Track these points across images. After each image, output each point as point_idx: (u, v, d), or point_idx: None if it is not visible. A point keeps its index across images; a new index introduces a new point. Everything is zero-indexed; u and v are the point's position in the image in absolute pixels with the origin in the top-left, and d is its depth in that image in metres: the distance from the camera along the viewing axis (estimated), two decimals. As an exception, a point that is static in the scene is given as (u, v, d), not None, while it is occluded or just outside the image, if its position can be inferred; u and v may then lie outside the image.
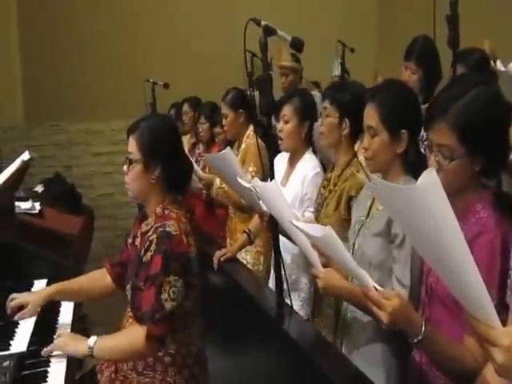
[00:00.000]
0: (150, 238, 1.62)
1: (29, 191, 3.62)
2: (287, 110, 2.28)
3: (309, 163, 2.31)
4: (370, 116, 1.55)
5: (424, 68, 2.48)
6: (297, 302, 2.23)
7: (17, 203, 2.86)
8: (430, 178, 0.90)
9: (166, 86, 3.77)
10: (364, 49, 5.24)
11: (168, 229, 1.61)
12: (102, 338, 1.61)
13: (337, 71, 3.98)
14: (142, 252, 1.64)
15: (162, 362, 1.66)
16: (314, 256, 1.52)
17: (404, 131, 1.53)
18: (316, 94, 3.01)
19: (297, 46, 1.77)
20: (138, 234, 1.72)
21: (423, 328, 1.15)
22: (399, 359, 1.53)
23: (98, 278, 1.87)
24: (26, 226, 2.68)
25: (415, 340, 1.16)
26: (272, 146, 2.01)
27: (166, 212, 1.67)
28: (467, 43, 2.25)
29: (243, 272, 2.43)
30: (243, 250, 2.64)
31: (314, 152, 2.38)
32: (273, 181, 1.77)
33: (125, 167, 1.70)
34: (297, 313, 1.94)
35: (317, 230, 1.33)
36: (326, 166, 2.32)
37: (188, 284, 1.64)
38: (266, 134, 2.02)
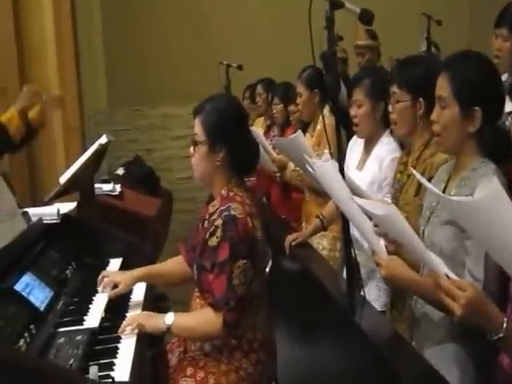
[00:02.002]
0: (216, 223, 1.62)
1: (111, 174, 3.79)
2: (358, 94, 2.16)
3: (386, 146, 2.18)
4: (442, 86, 1.41)
5: (519, 35, 2.25)
6: (374, 292, 2.14)
7: (99, 185, 2.99)
8: (491, 189, 0.81)
9: (239, 67, 3.75)
10: (454, 21, 4.89)
11: (233, 212, 1.60)
12: (179, 316, 1.65)
13: (423, 47, 3.76)
14: (208, 235, 1.64)
15: (229, 344, 1.66)
16: (377, 241, 1.43)
17: (477, 108, 1.37)
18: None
19: (366, 18, 1.64)
20: (207, 217, 1.72)
21: (505, 324, 1.04)
22: (475, 360, 1.41)
23: (178, 265, 1.90)
24: (106, 206, 2.79)
25: (495, 337, 1.05)
26: (341, 123, 1.92)
27: (231, 194, 1.66)
28: None
29: (315, 258, 2.37)
30: (319, 234, 2.58)
31: (391, 132, 2.25)
32: (331, 161, 1.68)
33: (191, 149, 1.71)
34: (370, 303, 1.85)
35: (378, 208, 1.24)
36: (405, 145, 2.18)
37: (255, 267, 1.62)
38: (335, 114, 1.92)
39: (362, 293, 1.88)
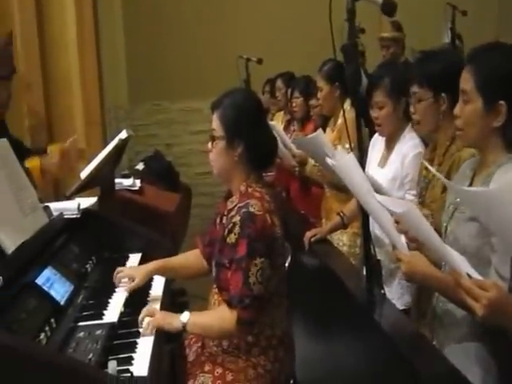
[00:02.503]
0: (234, 220, 1.61)
1: (131, 169, 3.80)
2: (379, 96, 2.13)
3: (409, 142, 2.15)
4: (465, 79, 1.38)
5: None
6: (396, 289, 2.12)
7: (120, 180, 3.01)
8: (507, 178, 0.80)
9: (259, 61, 3.74)
10: (481, 12, 4.78)
11: (251, 209, 1.58)
12: (195, 314, 1.65)
13: (447, 38, 3.68)
14: (226, 232, 1.63)
15: (246, 341, 1.66)
16: (397, 236, 1.41)
17: (502, 103, 1.33)
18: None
19: (388, 9, 1.60)
20: (225, 213, 1.71)
21: None
22: (498, 360, 1.37)
23: (195, 258, 1.90)
24: (126, 201, 2.81)
25: None
26: (362, 117, 1.89)
27: (250, 190, 1.65)
28: None
29: (334, 254, 2.35)
30: (339, 230, 2.55)
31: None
32: (350, 153, 1.66)
33: (209, 144, 1.70)
34: (390, 301, 1.83)
35: (398, 205, 1.22)
36: (428, 142, 2.15)
37: (273, 264, 1.61)
38: (356, 108, 1.89)
39: (382, 290, 1.85)
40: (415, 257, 1.38)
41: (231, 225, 1.61)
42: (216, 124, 1.67)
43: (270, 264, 1.58)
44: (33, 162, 2.43)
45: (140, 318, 1.62)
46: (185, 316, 1.62)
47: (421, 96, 1.78)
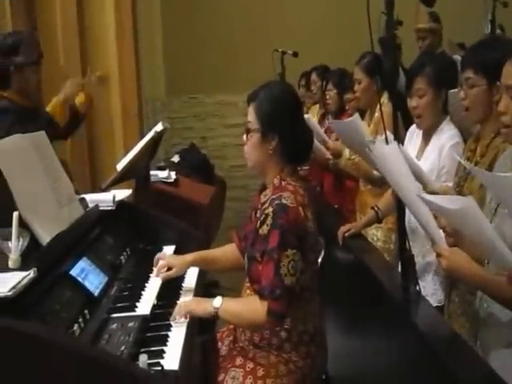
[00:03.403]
0: (266, 212, 1.59)
1: (167, 161, 3.85)
2: (421, 83, 2.06)
3: (447, 133, 2.08)
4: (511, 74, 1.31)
5: None
6: (430, 286, 2.06)
7: (155, 172, 3.05)
8: None
9: (295, 54, 3.71)
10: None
11: (284, 201, 1.57)
12: (227, 301, 1.64)
13: (487, 30, 3.56)
14: (258, 224, 1.61)
15: (278, 336, 1.64)
16: (437, 230, 1.36)
17: None
18: (458, 59, 2.72)
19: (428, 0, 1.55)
20: (259, 206, 1.70)
21: None
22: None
23: (232, 252, 1.90)
24: (161, 193, 2.84)
25: None
26: (399, 111, 1.83)
27: (284, 183, 1.63)
28: None
29: (369, 249, 2.31)
30: (374, 226, 2.51)
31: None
32: (393, 143, 1.61)
33: (244, 137, 1.68)
34: (425, 299, 1.78)
35: (452, 201, 1.17)
36: (464, 136, 2.08)
37: (305, 259, 1.59)
38: (393, 101, 1.84)
39: (417, 287, 1.80)
40: (456, 252, 1.34)
41: (264, 216, 1.59)
42: (251, 116, 1.65)
43: (301, 257, 1.56)
44: (51, 104, 2.66)
45: (173, 313, 1.63)
46: (217, 301, 1.62)
47: (474, 82, 1.72)
